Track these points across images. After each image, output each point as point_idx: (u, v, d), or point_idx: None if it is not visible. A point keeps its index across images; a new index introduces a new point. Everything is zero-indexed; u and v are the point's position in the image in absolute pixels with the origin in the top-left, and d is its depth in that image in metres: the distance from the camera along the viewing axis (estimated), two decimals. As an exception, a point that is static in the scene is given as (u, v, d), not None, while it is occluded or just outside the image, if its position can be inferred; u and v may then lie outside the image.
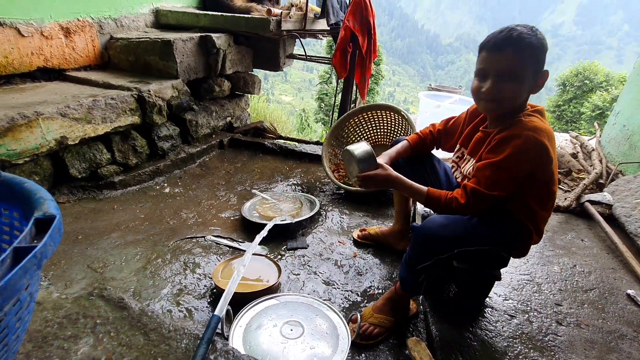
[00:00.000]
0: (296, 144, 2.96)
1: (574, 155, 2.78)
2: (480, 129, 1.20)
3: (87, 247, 1.62)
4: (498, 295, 1.41)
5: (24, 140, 1.72)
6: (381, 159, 1.35)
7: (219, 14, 2.82)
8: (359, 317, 1.24)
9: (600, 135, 3.11)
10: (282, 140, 3.03)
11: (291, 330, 1.16)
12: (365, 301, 1.41)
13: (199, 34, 2.62)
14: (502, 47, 1.01)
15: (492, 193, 1.05)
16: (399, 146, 1.43)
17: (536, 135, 1.00)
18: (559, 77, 16.05)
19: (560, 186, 2.40)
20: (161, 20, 2.96)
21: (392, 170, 1.22)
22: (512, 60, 1.01)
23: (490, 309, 1.33)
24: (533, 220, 1.13)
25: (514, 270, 1.57)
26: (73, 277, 1.42)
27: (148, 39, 2.48)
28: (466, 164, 1.24)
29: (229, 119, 3.03)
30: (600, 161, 2.58)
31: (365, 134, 2.53)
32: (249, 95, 3.31)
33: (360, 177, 1.23)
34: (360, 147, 1.23)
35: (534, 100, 1.14)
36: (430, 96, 3.30)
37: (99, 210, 1.94)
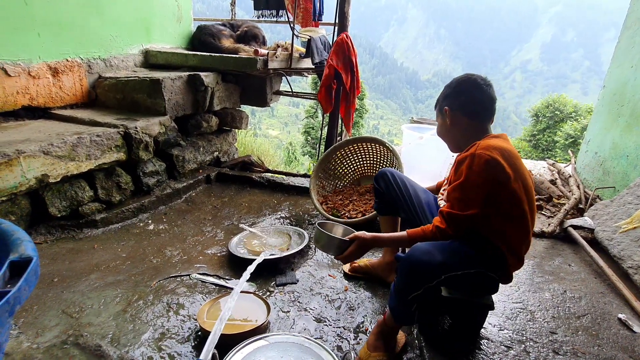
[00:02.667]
0: (284, 177, 2.97)
1: (553, 182, 2.88)
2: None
3: (62, 290, 1.53)
4: (493, 325, 1.38)
5: (3, 180, 1.67)
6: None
7: (208, 54, 2.92)
8: (353, 356, 1.19)
9: (575, 162, 3.26)
10: (270, 174, 3.04)
11: (282, 373, 1.10)
12: (359, 337, 1.36)
13: (187, 73, 2.69)
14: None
15: (465, 213, 1.09)
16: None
17: (487, 152, 1.09)
18: (531, 108, 16.99)
19: (542, 212, 2.46)
20: (150, 60, 3.04)
21: (365, 234, 1.25)
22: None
23: (486, 341, 1.30)
24: (507, 242, 1.13)
25: (506, 299, 1.56)
26: (46, 323, 1.32)
27: (137, 78, 2.53)
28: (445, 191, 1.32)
29: (216, 153, 3.05)
30: (578, 187, 2.67)
31: (351, 166, 2.57)
32: (237, 130, 3.36)
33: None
34: (320, 240, 1.29)
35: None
36: (412, 128, 3.42)
37: (78, 251, 1.86)
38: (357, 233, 1.26)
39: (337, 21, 2.93)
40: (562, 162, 3.60)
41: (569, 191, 2.68)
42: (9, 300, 0.52)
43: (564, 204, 2.48)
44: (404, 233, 1.21)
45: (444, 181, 1.57)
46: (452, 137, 1.30)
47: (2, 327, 0.52)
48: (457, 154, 1.29)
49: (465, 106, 1.23)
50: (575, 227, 2.15)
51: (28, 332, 1.26)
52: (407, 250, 1.73)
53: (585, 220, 2.17)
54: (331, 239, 1.27)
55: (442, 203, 1.34)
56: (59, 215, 1.96)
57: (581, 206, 2.46)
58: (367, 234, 1.25)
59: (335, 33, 2.93)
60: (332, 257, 1.87)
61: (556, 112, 15.64)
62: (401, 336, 1.31)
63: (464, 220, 1.10)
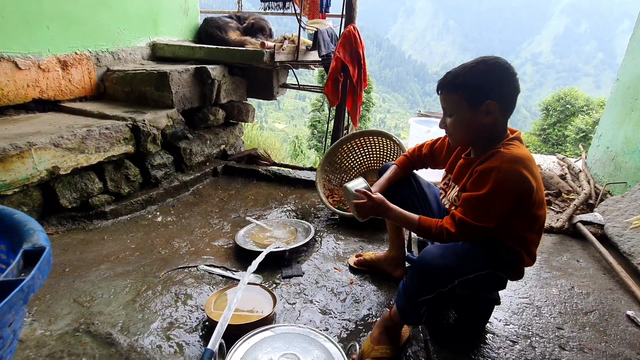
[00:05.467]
0: (290, 170, 2.98)
1: (563, 177, 2.84)
2: (463, 155, 1.23)
3: (74, 280, 1.57)
4: (498, 320, 1.38)
5: (15, 171, 1.70)
6: (375, 188, 1.39)
7: (214, 46, 2.92)
8: (358, 348, 1.20)
9: (585, 157, 3.20)
10: (276, 167, 3.04)
11: (287, 363, 1.11)
12: (364, 330, 1.37)
13: (194, 66, 2.69)
14: (439, 90, 1.15)
15: (480, 224, 1.06)
16: (388, 173, 1.47)
17: (515, 167, 1.02)
18: (542, 102, 16.69)
19: (551, 207, 2.43)
20: (158, 53, 3.05)
21: (384, 200, 1.24)
22: (444, 100, 1.14)
23: (491, 335, 1.30)
24: (523, 245, 1.13)
25: (512, 294, 1.55)
26: (58, 312, 1.36)
27: (144, 71, 2.54)
28: (451, 190, 1.26)
29: (223, 146, 3.06)
30: (589, 182, 2.63)
31: (358, 160, 2.56)
32: (243, 123, 3.37)
33: (352, 206, 1.29)
34: (352, 182, 1.33)
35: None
36: (420, 122, 3.39)
37: (89, 241, 1.89)
38: (377, 195, 1.26)
39: (344, 13, 2.90)
40: (573, 157, 3.54)
41: (579, 186, 2.64)
42: (23, 289, 0.53)
43: (574, 199, 2.45)
44: (415, 216, 1.18)
45: (406, 159, 1.49)
46: (473, 133, 1.13)
47: (17, 314, 0.53)
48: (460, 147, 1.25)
49: (506, 99, 1.07)
50: (584, 222, 2.12)
51: (41, 319, 1.30)
52: (413, 249, 1.73)
53: (595, 216, 2.14)
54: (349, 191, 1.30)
55: (445, 201, 1.31)
56: (70, 207, 2.00)
57: (591, 201, 2.42)
58: (385, 200, 1.24)
59: (343, 25, 2.90)
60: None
61: (567, 106, 15.35)
62: (405, 330, 1.31)
63: (476, 229, 1.06)
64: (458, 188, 1.20)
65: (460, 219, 1.08)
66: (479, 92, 1.06)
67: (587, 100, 15.43)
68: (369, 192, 1.25)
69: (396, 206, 1.24)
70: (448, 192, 1.28)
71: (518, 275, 1.19)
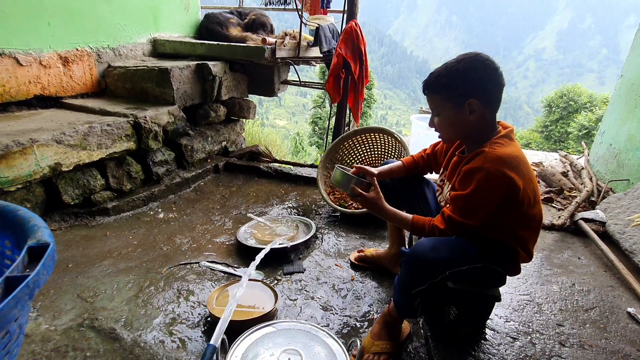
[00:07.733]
0: (291, 167, 2.98)
1: (565, 174, 2.83)
2: (457, 152, 1.23)
3: (77, 275, 1.58)
4: (499, 316, 1.39)
5: (18, 168, 1.71)
6: (375, 171, 1.43)
7: (215, 43, 2.91)
8: (359, 343, 1.20)
9: (588, 154, 3.19)
10: (278, 164, 3.05)
11: (289, 359, 1.12)
12: (365, 326, 1.38)
13: (195, 62, 2.69)
14: (424, 91, 1.18)
15: (468, 222, 1.07)
16: (393, 165, 1.49)
17: (498, 167, 1.02)
18: (545, 98, 16.59)
19: (553, 204, 2.43)
20: (159, 49, 3.04)
21: (378, 199, 1.27)
22: (430, 101, 1.16)
23: (492, 332, 1.31)
24: (519, 242, 1.13)
25: (513, 291, 1.55)
26: (62, 307, 1.37)
27: (145, 67, 2.53)
28: (446, 188, 1.27)
29: (224, 143, 3.06)
30: (591, 179, 2.62)
31: (359, 156, 2.56)
32: (244, 120, 3.36)
33: (351, 197, 1.33)
34: (335, 174, 1.35)
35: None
36: (421, 119, 3.38)
37: (91, 237, 1.90)
38: (380, 194, 1.28)
39: (346, 9, 2.88)
40: (575, 154, 3.53)
41: (581, 183, 2.63)
42: (29, 284, 0.54)
43: (576, 196, 2.44)
44: (409, 216, 1.21)
45: (412, 160, 1.48)
46: (460, 131, 1.15)
47: (22, 309, 0.54)
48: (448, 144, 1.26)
49: (488, 96, 1.08)
50: (586, 220, 2.11)
51: (46, 314, 1.31)
52: (413, 240, 1.74)
53: (597, 213, 2.14)
54: (349, 178, 1.32)
55: (440, 198, 1.32)
56: (72, 203, 2.01)
57: (593, 199, 2.41)
58: (382, 199, 1.27)
59: (344, 21, 2.88)
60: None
61: (570, 103, 15.26)
62: (406, 325, 1.32)
63: (464, 227, 1.08)
64: (450, 185, 1.21)
65: (449, 216, 1.10)
66: (460, 92, 1.08)
67: (590, 96, 15.33)
68: (363, 193, 1.28)
69: (390, 206, 1.26)
70: (443, 189, 1.29)
71: (515, 270, 1.19)
